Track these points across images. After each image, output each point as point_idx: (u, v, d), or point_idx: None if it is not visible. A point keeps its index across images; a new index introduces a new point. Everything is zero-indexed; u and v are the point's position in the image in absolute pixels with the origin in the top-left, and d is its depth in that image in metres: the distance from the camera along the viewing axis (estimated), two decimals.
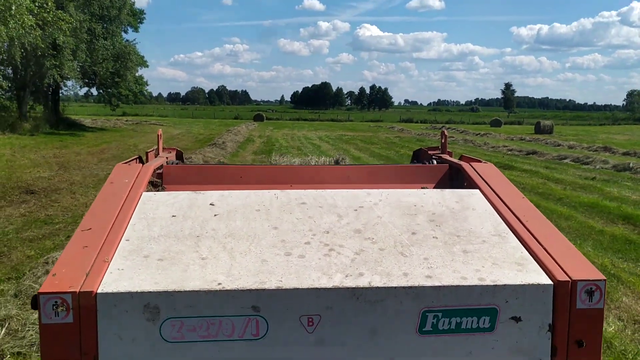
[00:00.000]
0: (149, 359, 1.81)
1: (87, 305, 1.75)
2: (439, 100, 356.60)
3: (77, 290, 1.75)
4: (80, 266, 1.87)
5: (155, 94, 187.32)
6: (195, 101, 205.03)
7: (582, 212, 10.79)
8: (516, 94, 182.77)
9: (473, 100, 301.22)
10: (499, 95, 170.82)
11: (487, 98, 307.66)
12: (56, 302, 1.74)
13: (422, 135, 40.14)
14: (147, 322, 1.78)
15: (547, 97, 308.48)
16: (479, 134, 41.40)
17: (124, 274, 1.86)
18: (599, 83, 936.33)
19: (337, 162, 13.18)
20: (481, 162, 2.98)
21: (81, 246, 1.98)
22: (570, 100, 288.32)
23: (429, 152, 3.66)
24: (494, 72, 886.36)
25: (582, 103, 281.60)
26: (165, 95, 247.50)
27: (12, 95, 24.45)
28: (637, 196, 12.66)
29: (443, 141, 3.56)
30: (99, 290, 1.77)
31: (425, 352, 1.88)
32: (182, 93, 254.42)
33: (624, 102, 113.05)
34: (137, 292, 1.77)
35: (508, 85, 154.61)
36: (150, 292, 1.78)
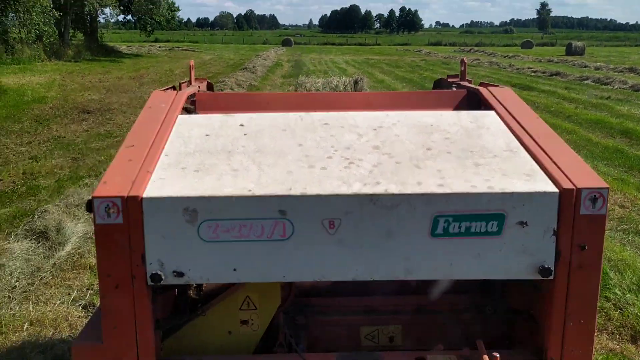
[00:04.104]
0: (189, 255, 2.01)
1: (134, 208, 1.95)
2: (471, 21, 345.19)
3: (126, 195, 1.95)
4: (126, 176, 2.06)
5: (184, 19, 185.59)
6: (223, 26, 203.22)
7: (586, 128, 11.66)
8: (553, 14, 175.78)
9: (508, 21, 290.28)
10: (535, 15, 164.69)
11: (523, 19, 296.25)
12: (108, 205, 1.94)
13: (449, 58, 40.14)
14: (187, 224, 1.97)
15: (587, 17, 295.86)
16: (507, 56, 41.17)
17: (165, 182, 2.05)
18: None
19: (355, 82, 14.09)
20: (498, 86, 3.11)
21: (126, 160, 2.18)
22: (611, 20, 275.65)
23: (449, 79, 3.78)
24: None
25: (624, 23, 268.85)
26: (194, 20, 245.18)
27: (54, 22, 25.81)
28: None
29: (462, 69, 3.68)
30: (144, 195, 1.96)
31: (437, 253, 2.03)
32: (211, 18, 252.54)
33: None
34: (177, 197, 1.96)
35: (544, 5, 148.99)
36: (188, 197, 1.96)
